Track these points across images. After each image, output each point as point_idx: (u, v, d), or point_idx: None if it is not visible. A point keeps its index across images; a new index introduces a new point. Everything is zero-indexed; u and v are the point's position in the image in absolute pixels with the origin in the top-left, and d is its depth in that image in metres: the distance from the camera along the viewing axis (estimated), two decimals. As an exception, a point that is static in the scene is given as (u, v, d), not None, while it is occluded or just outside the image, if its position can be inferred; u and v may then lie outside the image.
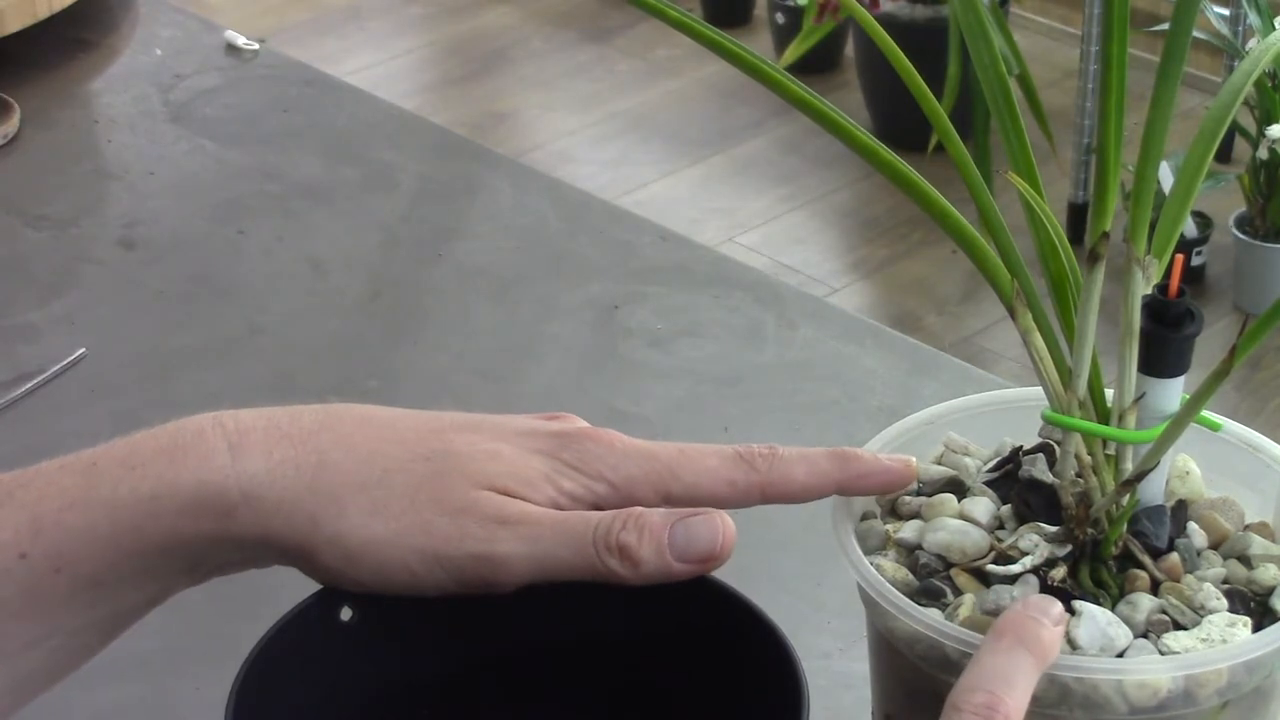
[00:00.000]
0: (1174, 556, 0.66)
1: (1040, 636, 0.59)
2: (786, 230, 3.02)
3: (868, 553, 0.67)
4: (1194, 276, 2.79)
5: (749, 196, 3.11)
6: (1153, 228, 0.65)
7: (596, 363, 1.07)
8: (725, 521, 0.63)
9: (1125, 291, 0.65)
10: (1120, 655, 0.62)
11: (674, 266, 1.15)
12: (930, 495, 0.70)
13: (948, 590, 0.66)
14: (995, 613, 0.64)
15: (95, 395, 1.05)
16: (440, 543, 0.61)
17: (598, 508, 0.63)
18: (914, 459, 0.68)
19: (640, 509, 0.62)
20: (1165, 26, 0.76)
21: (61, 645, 0.62)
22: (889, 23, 3.02)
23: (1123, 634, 0.63)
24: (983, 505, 0.68)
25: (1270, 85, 2.60)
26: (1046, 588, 0.65)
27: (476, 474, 0.62)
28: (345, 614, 0.66)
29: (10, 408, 1.03)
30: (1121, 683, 0.61)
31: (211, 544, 0.62)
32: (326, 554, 0.62)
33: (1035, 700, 0.62)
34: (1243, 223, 2.78)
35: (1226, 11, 2.82)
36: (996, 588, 0.65)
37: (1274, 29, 0.82)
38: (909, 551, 0.68)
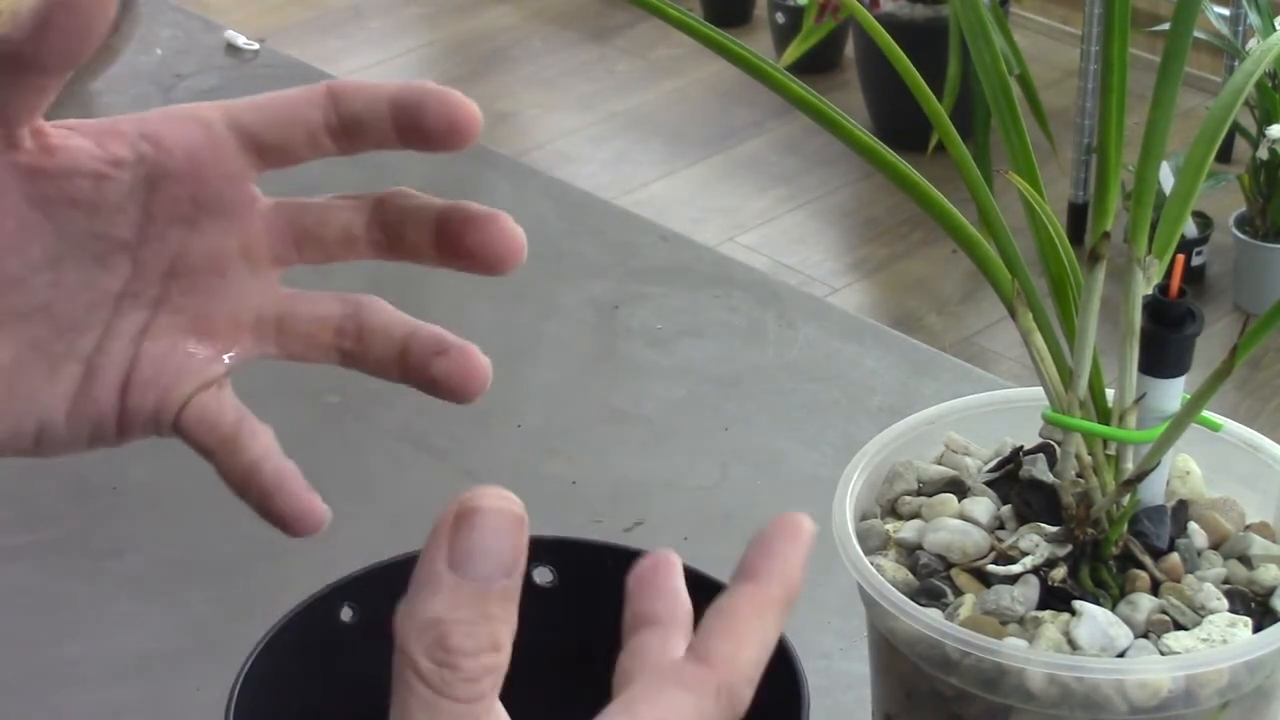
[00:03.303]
0: (1174, 556, 0.66)
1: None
2: (786, 230, 3.02)
3: (868, 553, 0.67)
4: (1194, 276, 2.79)
5: (749, 196, 3.11)
6: (1153, 228, 0.65)
7: (596, 363, 1.07)
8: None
9: (1125, 291, 0.65)
10: (1121, 655, 0.62)
11: (674, 266, 1.15)
12: (930, 495, 0.70)
13: (948, 590, 0.65)
14: (996, 613, 0.64)
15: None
16: None
17: None
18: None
19: None
20: (1165, 26, 0.76)
21: None
22: (889, 23, 3.02)
23: (1123, 634, 0.63)
24: (983, 505, 0.68)
25: (1270, 85, 2.60)
26: (1047, 588, 0.65)
27: None
28: (345, 614, 0.66)
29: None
30: (1122, 683, 0.61)
31: None
32: None
33: (1035, 700, 0.62)
34: (1243, 223, 2.78)
35: (1226, 11, 2.82)
36: (997, 588, 0.65)
37: (1274, 29, 0.82)
38: (909, 551, 0.68)
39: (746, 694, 0.46)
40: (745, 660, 0.46)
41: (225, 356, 0.58)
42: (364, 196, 0.58)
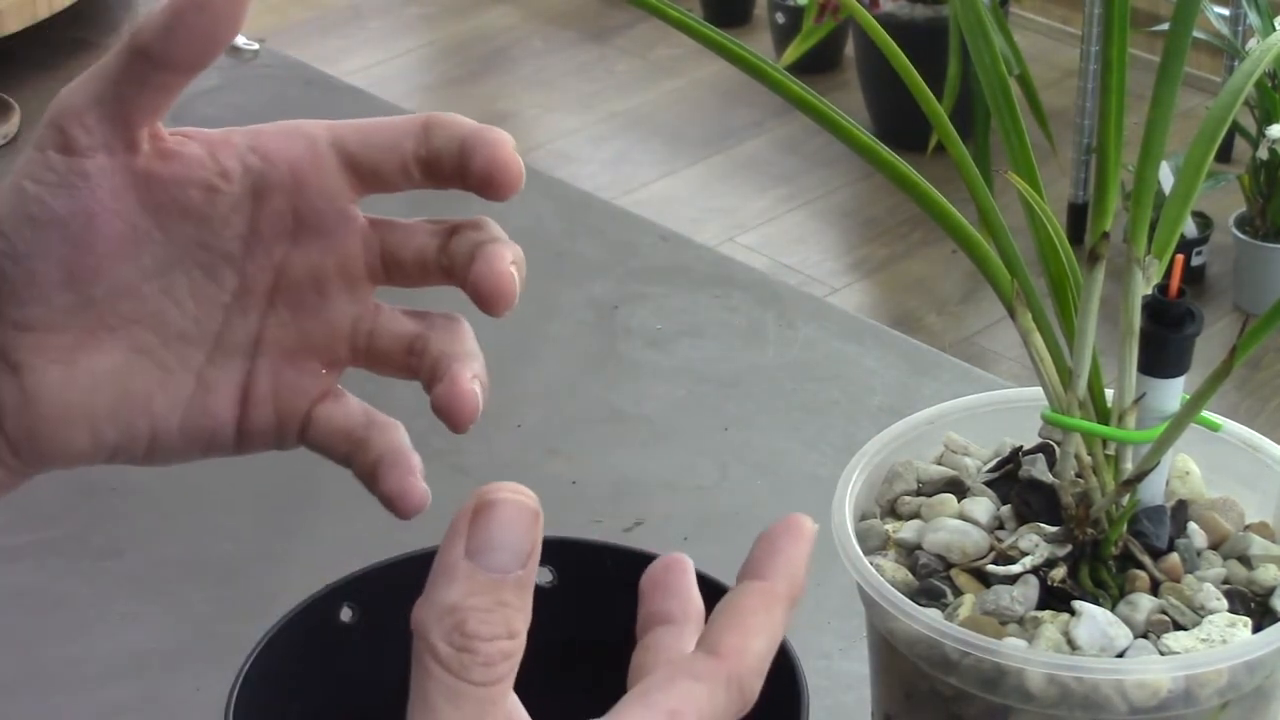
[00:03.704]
0: (1174, 556, 0.66)
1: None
2: (786, 230, 3.02)
3: (868, 553, 0.67)
4: (1194, 276, 2.79)
5: (749, 196, 3.11)
6: (1153, 228, 0.65)
7: (596, 363, 1.07)
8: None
9: (1125, 291, 0.65)
10: (1120, 655, 0.62)
11: (674, 266, 1.15)
12: (930, 495, 0.70)
13: (948, 590, 0.66)
14: (995, 613, 0.64)
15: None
16: None
17: None
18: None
19: None
20: (1165, 26, 0.76)
21: None
22: (889, 23, 3.02)
23: (1123, 634, 0.63)
24: (983, 505, 0.68)
25: (1270, 85, 2.60)
26: (1046, 588, 0.65)
27: None
28: (345, 614, 0.66)
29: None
30: (1121, 683, 0.61)
31: None
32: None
33: (1035, 700, 0.62)
34: (1243, 223, 2.78)
35: (1226, 11, 2.82)
36: (996, 588, 0.65)
37: (1274, 29, 0.82)
38: (909, 551, 0.68)
39: (756, 684, 0.47)
40: (754, 652, 0.47)
41: (332, 370, 0.59)
42: (443, 222, 0.58)
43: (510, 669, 0.44)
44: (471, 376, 0.56)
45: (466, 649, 0.43)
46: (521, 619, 0.44)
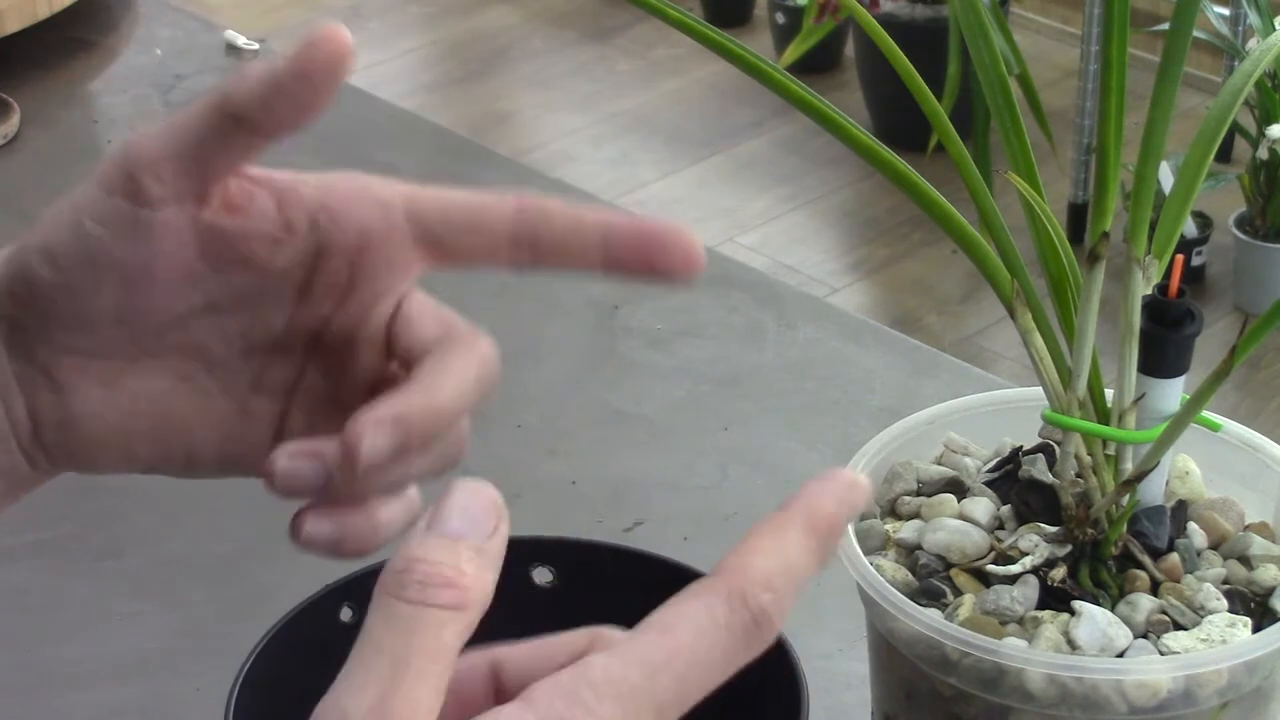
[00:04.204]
0: (1174, 557, 0.66)
1: (840, 534, 0.48)
2: (786, 230, 3.02)
3: (868, 553, 0.67)
4: (1194, 276, 2.79)
5: (749, 196, 3.11)
6: (1153, 228, 0.65)
7: (596, 363, 1.07)
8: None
9: (1125, 291, 0.65)
10: (1120, 655, 0.62)
11: (674, 266, 1.15)
12: (930, 495, 0.70)
13: (947, 590, 0.65)
14: (995, 613, 0.64)
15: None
16: None
17: None
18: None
19: None
20: (1165, 26, 0.76)
21: None
22: (889, 23, 3.02)
23: (1123, 634, 0.63)
24: (983, 505, 0.68)
25: (1270, 85, 2.60)
26: (1046, 588, 0.65)
27: None
28: (345, 614, 0.66)
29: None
30: (1121, 683, 0.61)
31: None
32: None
33: (1034, 700, 0.62)
34: (1243, 223, 2.77)
35: (1226, 11, 2.82)
36: (996, 588, 0.65)
37: (1274, 29, 0.82)
38: (909, 551, 0.68)
39: (764, 599, 0.44)
40: (757, 567, 0.44)
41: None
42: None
43: (455, 602, 0.43)
44: (388, 425, 0.53)
45: (406, 570, 0.43)
46: (475, 576, 0.44)
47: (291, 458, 0.54)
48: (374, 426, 0.52)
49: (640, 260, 0.55)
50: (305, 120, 0.53)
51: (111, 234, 0.54)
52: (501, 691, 0.52)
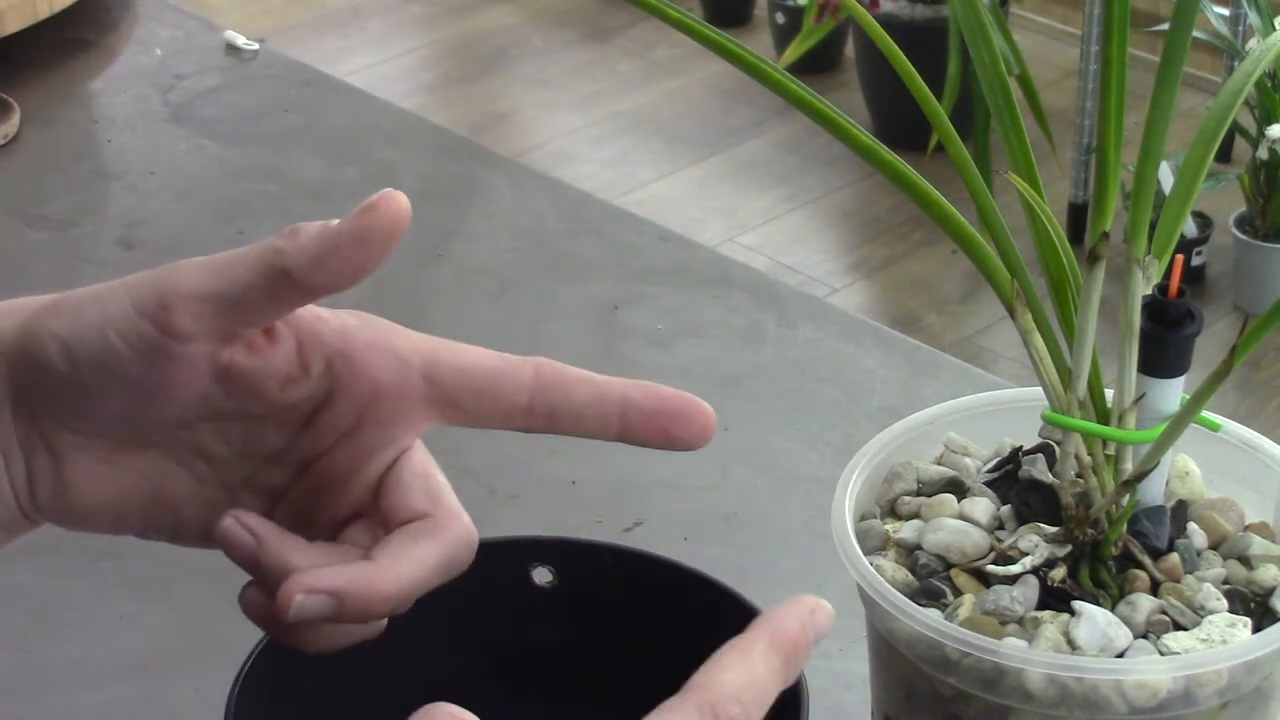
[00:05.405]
0: (1174, 557, 0.66)
1: (804, 654, 0.54)
2: (786, 230, 3.02)
3: (868, 553, 0.67)
4: (1194, 276, 2.79)
5: (749, 196, 3.11)
6: (1153, 228, 0.65)
7: (596, 363, 1.06)
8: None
9: (1125, 291, 0.65)
10: (1120, 655, 0.62)
11: (674, 266, 1.15)
12: (930, 495, 0.70)
13: (947, 590, 0.66)
14: (995, 613, 0.64)
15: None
16: None
17: None
18: None
19: None
20: (1165, 26, 0.76)
21: None
22: (889, 23, 3.02)
23: (1122, 634, 0.63)
24: (982, 505, 0.68)
25: (1270, 85, 2.60)
26: (1046, 588, 0.65)
27: None
28: (345, 614, 0.66)
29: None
30: (1121, 683, 0.61)
31: None
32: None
33: (1034, 700, 0.62)
34: (1243, 223, 2.78)
35: (1226, 11, 2.82)
36: (996, 588, 0.65)
37: (1274, 29, 0.82)
38: (909, 551, 0.68)
39: (733, 711, 0.49)
40: (726, 682, 0.49)
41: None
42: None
43: None
44: (322, 595, 0.55)
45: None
46: None
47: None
48: (306, 594, 0.54)
49: (657, 432, 0.58)
50: (356, 281, 0.55)
51: (133, 353, 0.55)
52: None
